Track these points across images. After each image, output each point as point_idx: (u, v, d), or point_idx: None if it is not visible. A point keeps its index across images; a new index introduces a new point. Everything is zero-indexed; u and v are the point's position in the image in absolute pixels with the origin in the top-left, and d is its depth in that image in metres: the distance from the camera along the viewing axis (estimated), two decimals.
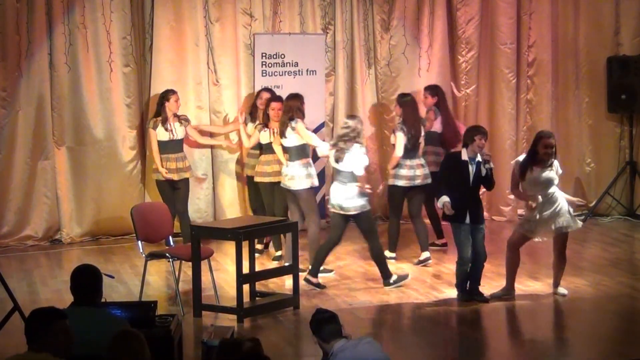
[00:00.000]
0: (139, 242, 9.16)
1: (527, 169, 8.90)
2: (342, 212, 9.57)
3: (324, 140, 10.72)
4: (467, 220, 8.87)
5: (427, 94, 11.34)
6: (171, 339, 6.43)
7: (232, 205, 12.17)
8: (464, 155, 8.92)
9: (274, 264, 10.59)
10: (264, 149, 10.82)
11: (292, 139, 10.11)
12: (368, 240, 9.67)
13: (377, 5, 12.75)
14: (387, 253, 10.20)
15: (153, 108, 11.28)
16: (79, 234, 11.87)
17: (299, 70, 12.17)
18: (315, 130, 11.81)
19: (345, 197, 9.52)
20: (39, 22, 11.48)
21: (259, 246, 10.85)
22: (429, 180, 10.51)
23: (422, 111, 11.24)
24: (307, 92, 11.28)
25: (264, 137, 10.78)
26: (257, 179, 10.84)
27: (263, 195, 10.91)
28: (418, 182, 10.47)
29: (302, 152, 10.19)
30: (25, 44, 11.43)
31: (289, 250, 9.63)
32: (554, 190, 8.95)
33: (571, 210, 9.02)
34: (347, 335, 5.84)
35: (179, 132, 10.94)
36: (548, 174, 8.89)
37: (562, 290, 9.19)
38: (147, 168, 11.82)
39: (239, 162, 12.11)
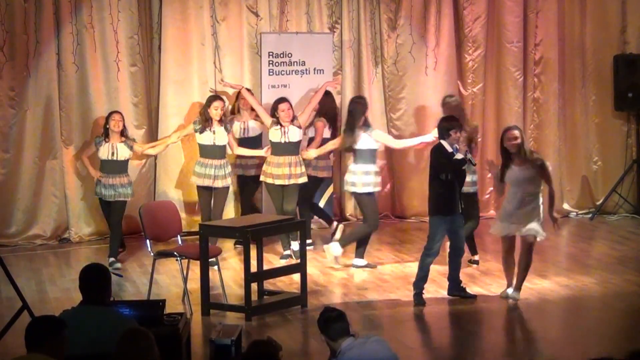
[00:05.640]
0: (147, 240, 9.19)
1: (505, 169, 8.81)
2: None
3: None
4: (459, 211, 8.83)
5: None
6: (179, 338, 6.44)
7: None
8: (448, 147, 8.80)
9: (282, 263, 10.61)
10: (274, 148, 10.78)
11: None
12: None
13: (384, 4, 12.74)
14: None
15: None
16: (88, 233, 11.88)
17: (306, 69, 12.16)
18: None
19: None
20: (46, 22, 11.51)
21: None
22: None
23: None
24: (314, 91, 11.35)
25: (275, 134, 10.74)
26: (266, 180, 10.77)
27: (272, 196, 10.85)
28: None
29: None
30: (33, 44, 11.46)
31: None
32: (539, 192, 8.84)
33: (541, 218, 8.92)
34: (355, 334, 5.85)
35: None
36: (528, 172, 8.77)
37: (513, 294, 9.06)
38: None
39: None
